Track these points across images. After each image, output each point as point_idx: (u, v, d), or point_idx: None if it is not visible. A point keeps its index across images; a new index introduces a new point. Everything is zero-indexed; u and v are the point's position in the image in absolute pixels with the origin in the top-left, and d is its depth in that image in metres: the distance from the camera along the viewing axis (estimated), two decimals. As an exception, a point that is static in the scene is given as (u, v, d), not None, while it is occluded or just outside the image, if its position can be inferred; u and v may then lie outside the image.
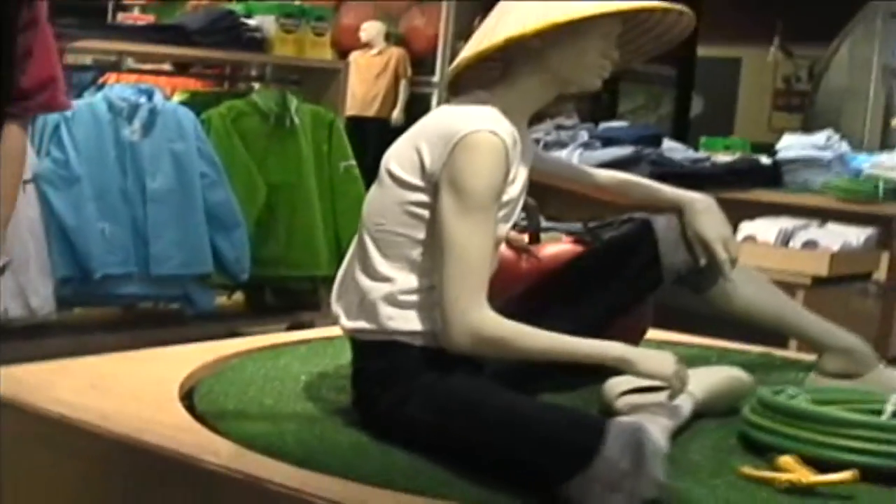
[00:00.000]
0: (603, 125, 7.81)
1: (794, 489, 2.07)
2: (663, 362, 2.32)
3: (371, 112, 11.29)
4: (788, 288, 5.62)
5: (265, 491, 2.05)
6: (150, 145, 5.21)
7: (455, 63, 2.46)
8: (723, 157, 7.08)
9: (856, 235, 6.04)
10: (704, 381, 2.55)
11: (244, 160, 5.55)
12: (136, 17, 10.25)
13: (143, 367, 2.87)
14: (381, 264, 2.37)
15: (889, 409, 2.37)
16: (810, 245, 5.95)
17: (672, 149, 7.14)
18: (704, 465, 2.25)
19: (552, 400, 2.59)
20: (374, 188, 2.44)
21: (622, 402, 2.45)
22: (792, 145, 6.81)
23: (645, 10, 2.50)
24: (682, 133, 11.48)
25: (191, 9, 11.87)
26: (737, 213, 6.11)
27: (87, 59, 7.58)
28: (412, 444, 2.25)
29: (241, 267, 5.49)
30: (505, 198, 2.37)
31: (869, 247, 6.07)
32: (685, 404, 2.43)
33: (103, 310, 5.62)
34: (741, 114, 15.15)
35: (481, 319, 2.26)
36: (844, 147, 6.82)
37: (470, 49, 2.44)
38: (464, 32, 15.71)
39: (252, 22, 5.92)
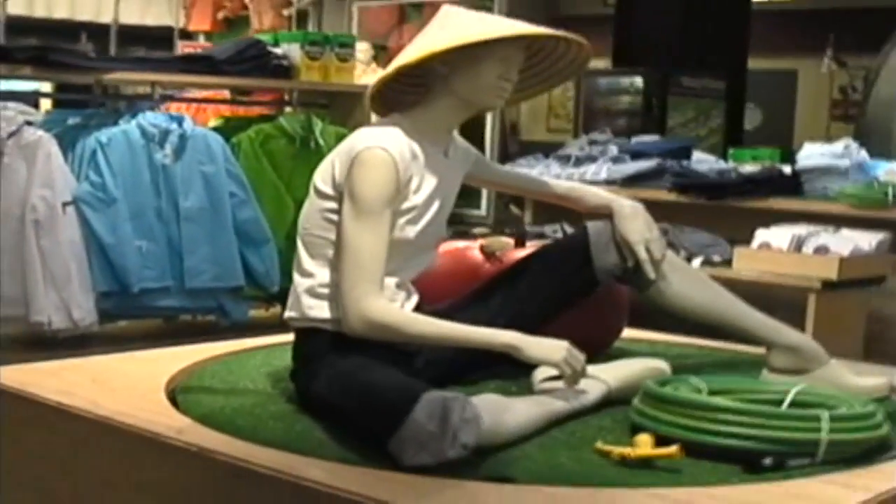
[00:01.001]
0: (635, 139, 8.07)
1: (625, 461, 2.32)
2: (551, 349, 2.62)
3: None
4: (801, 292, 5.83)
5: (213, 461, 2.39)
6: (182, 168, 5.61)
7: (368, 90, 2.82)
8: (749, 168, 7.25)
9: (867, 240, 6.16)
10: (621, 371, 2.83)
11: (272, 180, 5.92)
12: (198, 46, 10.70)
13: (142, 364, 3.24)
14: (307, 262, 2.76)
15: (788, 399, 2.56)
16: (822, 250, 6.09)
17: (700, 161, 7.38)
18: (570, 440, 2.51)
19: (492, 386, 2.86)
20: (306, 200, 2.79)
21: (539, 387, 2.74)
22: (811, 154, 6.94)
23: (521, 36, 2.76)
24: (736, 145, 11.58)
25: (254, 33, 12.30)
26: (754, 221, 6.35)
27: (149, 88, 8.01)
28: (318, 414, 2.61)
29: (272, 280, 5.86)
30: (407, 204, 2.72)
31: (881, 251, 6.20)
32: (593, 391, 2.71)
33: (146, 322, 6.00)
34: (799, 124, 15.27)
35: (371, 307, 2.61)
36: (863, 155, 6.95)
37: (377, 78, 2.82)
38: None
39: (278, 50, 6.30)
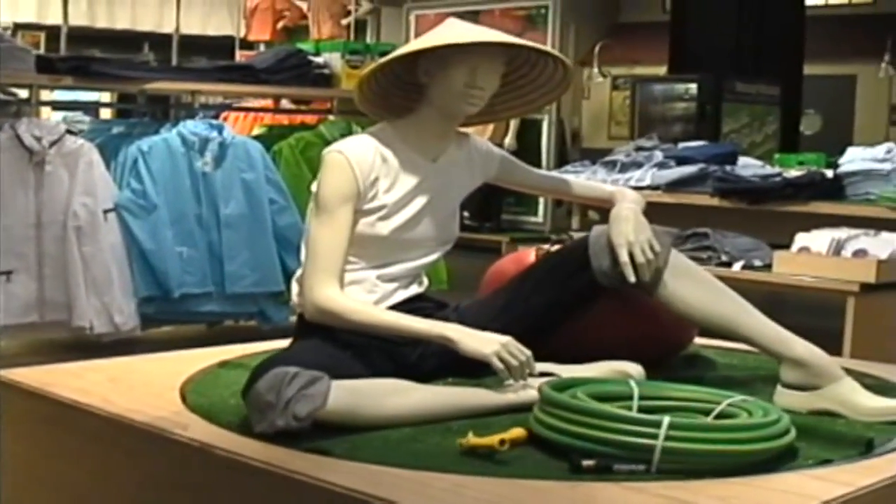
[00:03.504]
0: (682, 145, 8.11)
1: (466, 449, 2.38)
2: (483, 342, 2.72)
3: (485, 138, 11.70)
4: (840, 295, 5.84)
5: (213, 456, 2.48)
6: (222, 175, 5.74)
7: (355, 98, 3.00)
8: (793, 172, 7.25)
9: (907, 244, 6.15)
10: (585, 371, 2.86)
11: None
12: (256, 55, 10.83)
13: (160, 365, 3.34)
14: (302, 254, 2.94)
15: (717, 410, 2.51)
16: (860, 254, 6.08)
17: (745, 165, 7.40)
18: (458, 429, 2.53)
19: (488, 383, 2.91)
20: None
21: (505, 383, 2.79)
22: (853, 158, 6.95)
23: (472, 44, 2.87)
24: (793, 151, 11.57)
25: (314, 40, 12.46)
26: (796, 225, 6.37)
27: (219, 99, 8.17)
28: None
29: (311, 285, 5.96)
30: (376, 202, 2.89)
31: (922, 254, 6.18)
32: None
33: (190, 328, 6.12)
34: (858, 130, 15.21)
35: (320, 295, 2.80)
36: (906, 158, 6.94)
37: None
38: (579, 57, 16.05)
39: (319, 59, 6.41)
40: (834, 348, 5.06)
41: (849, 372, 2.92)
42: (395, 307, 2.94)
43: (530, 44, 2.97)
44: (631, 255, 2.92)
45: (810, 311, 8.00)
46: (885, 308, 6.05)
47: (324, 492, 2.23)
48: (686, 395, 2.63)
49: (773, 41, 11.62)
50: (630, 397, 2.57)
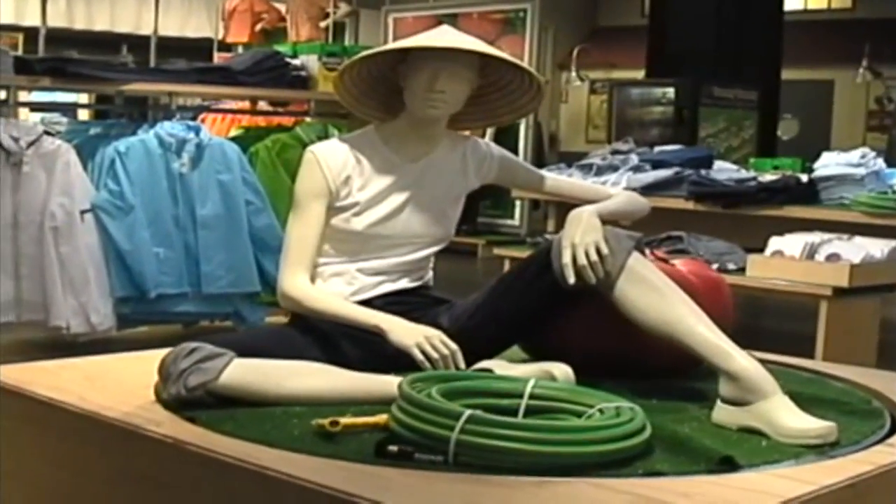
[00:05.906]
0: (657, 149, 8.14)
1: (319, 430, 2.49)
2: (408, 334, 2.86)
3: (463, 140, 11.71)
4: (812, 299, 5.88)
5: (185, 452, 2.51)
6: (199, 176, 5.77)
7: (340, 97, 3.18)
8: (768, 177, 7.29)
9: (880, 248, 6.16)
10: (515, 369, 2.90)
11: (288, 188, 6.04)
12: (234, 57, 10.82)
13: (135, 364, 3.35)
14: None
15: (591, 411, 2.48)
16: (833, 258, 6.12)
17: (721, 170, 7.44)
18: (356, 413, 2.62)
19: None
20: None
21: None
22: (828, 163, 6.99)
23: (434, 49, 2.98)
24: (769, 155, 11.61)
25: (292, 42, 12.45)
26: (770, 229, 6.40)
27: (197, 100, 8.18)
28: None
29: (287, 285, 5.99)
30: (350, 199, 3.06)
31: (894, 258, 6.21)
32: None
33: (166, 327, 6.14)
34: (836, 135, 15.30)
35: (286, 284, 3.04)
36: (880, 164, 6.98)
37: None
38: (558, 61, 16.11)
39: (297, 62, 6.44)
40: (807, 352, 5.13)
41: (819, 375, 2.87)
42: (380, 299, 3.07)
43: (489, 50, 3.04)
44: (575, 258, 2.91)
45: (784, 315, 8.06)
46: (858, 312, 6.11)
47: (292, 486, 2.27)
48: (576, 399, 2.58)
49: (751, 46, 11.67)
50: (522, 396, 2.56)
